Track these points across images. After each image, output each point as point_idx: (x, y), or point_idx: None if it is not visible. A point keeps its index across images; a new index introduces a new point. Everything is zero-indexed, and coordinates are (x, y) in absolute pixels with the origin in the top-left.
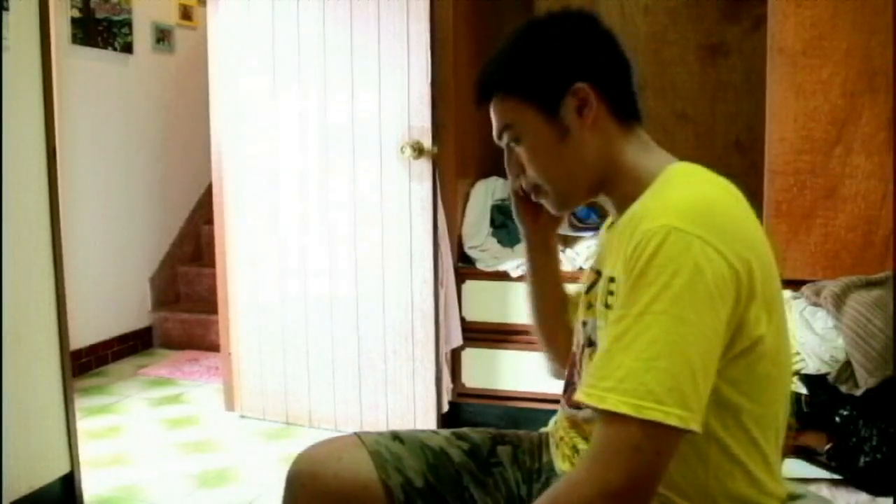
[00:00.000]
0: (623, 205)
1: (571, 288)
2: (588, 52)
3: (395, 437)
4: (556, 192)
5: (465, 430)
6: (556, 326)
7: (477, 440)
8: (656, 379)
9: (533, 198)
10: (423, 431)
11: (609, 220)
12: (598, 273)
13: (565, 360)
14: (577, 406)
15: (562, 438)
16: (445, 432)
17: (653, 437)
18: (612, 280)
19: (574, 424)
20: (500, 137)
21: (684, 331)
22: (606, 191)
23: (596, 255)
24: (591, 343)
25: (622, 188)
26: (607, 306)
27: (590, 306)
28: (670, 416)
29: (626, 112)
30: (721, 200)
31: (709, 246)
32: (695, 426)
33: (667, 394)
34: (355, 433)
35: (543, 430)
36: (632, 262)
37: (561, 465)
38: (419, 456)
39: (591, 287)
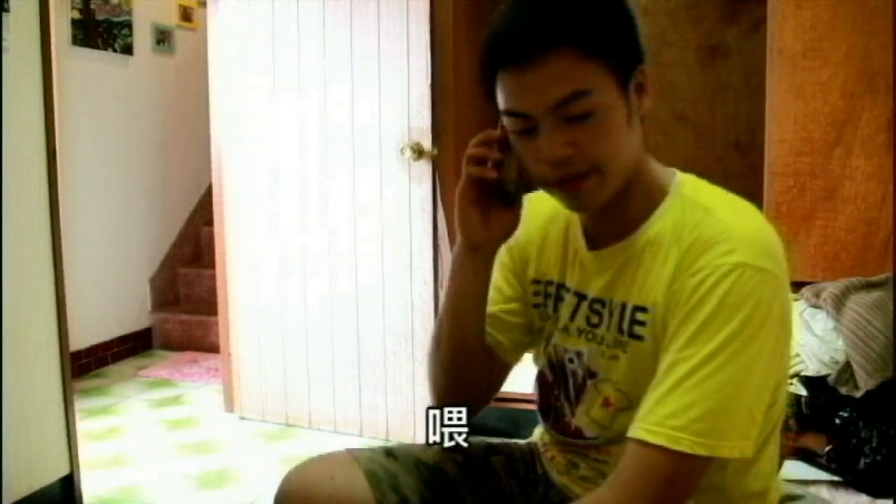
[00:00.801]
0: (629, 219)
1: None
2: (639, 29)
3: (389, 453)
4: (614, 181)
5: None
6: (475, 357)
7: (471, 451)
8: (728, 420)
9: (563, 188)
10: (416, 446)
11: (563, 229)
12: (580, 296)
13: (474, 396)
14: (579, 434)
15: (553, 458)
16: (438, 446)
17: (697, 468)
18: (640, 309)
19: (568, 447)
20: (559, 105)
21: (756, 369)
22: (614, 199)
23: (567, 275)
24: (592, 374)
25: (634, 199)
26: (634, 336)
27: (580, 334)
28: (734, 450)
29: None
30: (767, 226)
31: (777, 280)
32: (750, 452)
33: (734, 430)
34: (347, 449)
35: (531, 440)
36: (696, 295)
37: (559, 478)
38: (414, 472)
39: (573, 313)
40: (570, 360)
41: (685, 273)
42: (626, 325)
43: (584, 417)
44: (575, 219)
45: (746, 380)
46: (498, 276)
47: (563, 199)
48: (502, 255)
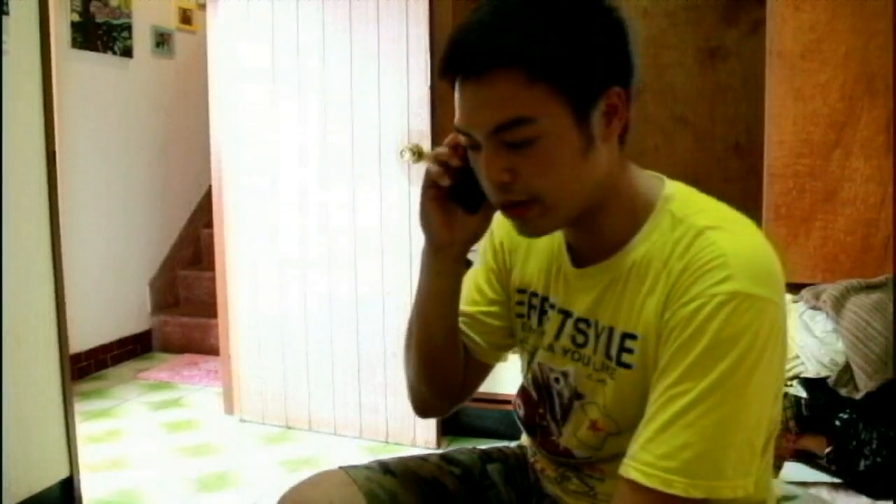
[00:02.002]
0: (611, 238)
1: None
2: (621, 48)
3: (386, 469)
4: (556, 212)
5: (452, 451)
6: (445, 356)
7: (467, 462)
8: (726, 459)
9: (510, 213)
10: (412, 459)
11: (550, 239)
12: (565, 314)
13: (447, 393)
14: (569, 454)
15: (543, 469)
16: (434, 458)
17: None
18: (629, 336)
19: (559, 463)
20: (499, 130)
21: (752, 403)
22: (592, 219)
23: (552, 289)
24: (578, 395)
25: (614, 219)
26: (622, 364)
27: (566, 353)
28: (737, 489)
29: (626, 127)
30: (765, 246)
31: (777, 308)
32: (752, 488)
33: (733, 470)
34: (341, 467)
35: (521, 443)
36: (690, 327)
37: (551, 488)
38: (414, 490)
39: (559, 332)
40: (556, 381)
41: (677, 301)
42: (613, 352)
43: (573, 439)
44: (559, 231)
45: (745, 415)
46: (481, 278)
47: (511, 223)
48: (488, 257)
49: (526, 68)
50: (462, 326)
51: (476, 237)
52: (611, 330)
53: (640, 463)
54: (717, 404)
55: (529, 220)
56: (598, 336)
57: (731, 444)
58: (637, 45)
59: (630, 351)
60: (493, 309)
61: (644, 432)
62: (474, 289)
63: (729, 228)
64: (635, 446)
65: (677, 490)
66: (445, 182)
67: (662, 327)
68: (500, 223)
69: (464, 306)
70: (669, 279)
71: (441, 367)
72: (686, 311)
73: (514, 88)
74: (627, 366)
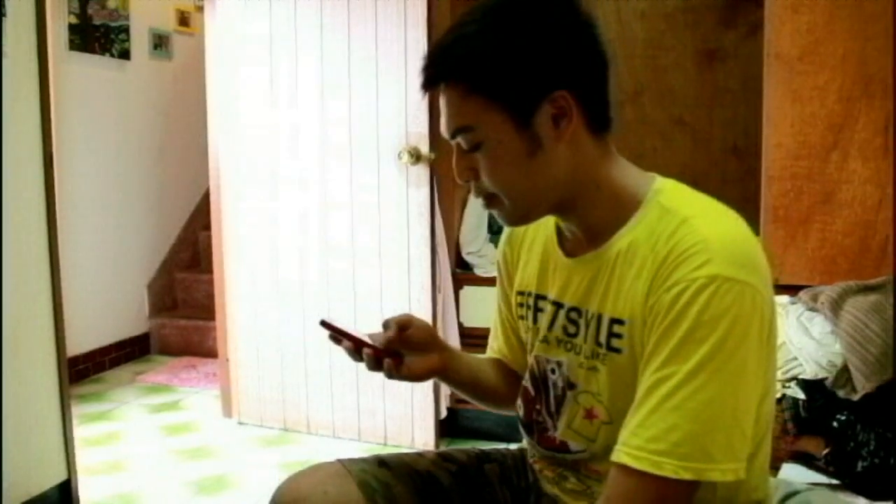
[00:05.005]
0: (598, 229)
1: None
2: (570, 52)
3: (382, 463)
4: (515, 207)
5: (450, 450)
6: (498, 393)
7: (464, 460)
8: (714, 441)
9: (484, 206)
10: (409, 454)
11: (545, 238)
12: (557, 305)
13: (498, 405)
14: (565, 448)
15: (541, 470)
16: (431, 454)
17: (683, 493)
18: (617, 322)
19: (556, 461)
20: (452, 136)
21: (738, 385)
22: (576, 211)
23: (547, 284)
24: (571, 385)
25: (598, 210)
26: (612, 349)
27: (559, 343)
28: (727, 472)
29: (601, 122)
30: (748, 235)
31: (757, 292)
32: (743, 474)
33: (722, 453)
34: (338, 460)
35: (522, 445)
36: (672, 311)
37: (549, 488)
38: (407, 483)
39: (552, 323)
40: (552, 371)
41: (661, 287)
42: (603, 338)
43: (568, 431)
44: (552, 228)
45: (731, 398)
46: (500, 298)
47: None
48: (500, 275)
49: (466, 82)
50: (502, 359)
51: (436, 369)
52: (599, 317)
53: (629, 447)
54: (702, 386)
55: (500, 211)
56: (587, 324)
57: (719, 427)
58: (608, 43)
59: (619, 336)
60: (510, 321)
61: (633, 417)
62: (498, 320)
63: (712, 217)
64: (626, 432)
65: (667, 472)
66: (359, 360)
67: (647, 313)
68: (504, 239)
69: (495, 342)
70: (654, 264)
71: (490, 402)
72: (668, 296)
73: (458, 100)
74: (617, 350)
